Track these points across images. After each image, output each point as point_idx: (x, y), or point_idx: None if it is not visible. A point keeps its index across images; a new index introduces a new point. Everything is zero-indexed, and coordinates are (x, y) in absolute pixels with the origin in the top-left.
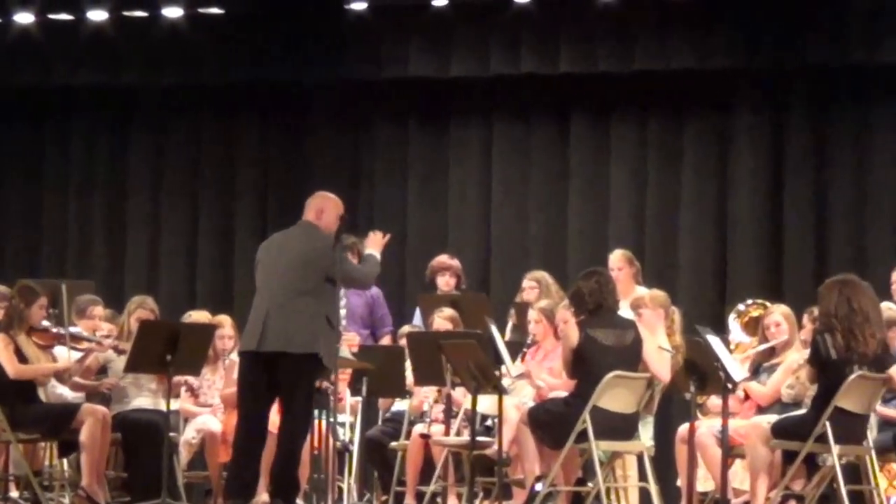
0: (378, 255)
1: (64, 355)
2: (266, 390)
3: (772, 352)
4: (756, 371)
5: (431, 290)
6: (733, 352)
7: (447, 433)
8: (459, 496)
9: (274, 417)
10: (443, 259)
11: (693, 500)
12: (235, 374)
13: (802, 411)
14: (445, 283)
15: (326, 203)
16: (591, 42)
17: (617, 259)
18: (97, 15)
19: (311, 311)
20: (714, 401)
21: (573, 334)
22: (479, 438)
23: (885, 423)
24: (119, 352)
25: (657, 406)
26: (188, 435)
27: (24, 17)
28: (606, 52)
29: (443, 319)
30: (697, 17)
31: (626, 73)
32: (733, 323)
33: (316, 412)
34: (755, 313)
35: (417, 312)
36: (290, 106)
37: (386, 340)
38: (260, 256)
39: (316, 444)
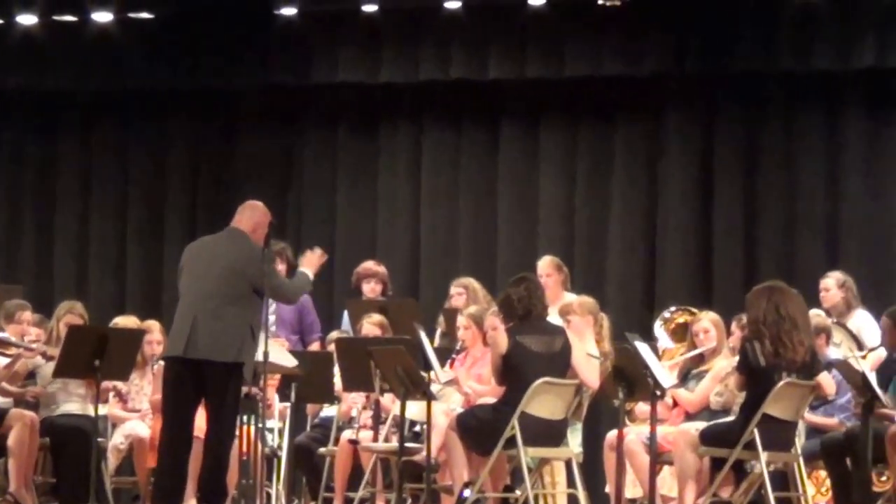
0: (311, 275)
1: None
2: (191, 395)
3: (700, 359)
4: (684, 378)
5: (358, 296)
6: (661, 358)
7: (375, 439)
8: (388, 502)
9: (200, 422)
10: (368, 265)
11: None
12: None
13: (731, 418)
14: (371, 289)
15: (261, 217)
16: (520, 48)
17: (546, 265)
18: (27, 19)
19: (238, 320)
20: (642, 407)
21: (502, 341)
22: (408, 444)
23: (812, 430)
24: (47, 357)
25: (585, 412)
26: (116, 440)
27: None
28: (536, 58)
29: (371, 325)
30: (627, 23)
31: (556, 79)
32: (660, 329)
33: (244, 418)
34: (681, 319)
35: (346, 317)
36: (219, 111)
37: (315, 346)
38: (185, 261)
39: (244, 449)
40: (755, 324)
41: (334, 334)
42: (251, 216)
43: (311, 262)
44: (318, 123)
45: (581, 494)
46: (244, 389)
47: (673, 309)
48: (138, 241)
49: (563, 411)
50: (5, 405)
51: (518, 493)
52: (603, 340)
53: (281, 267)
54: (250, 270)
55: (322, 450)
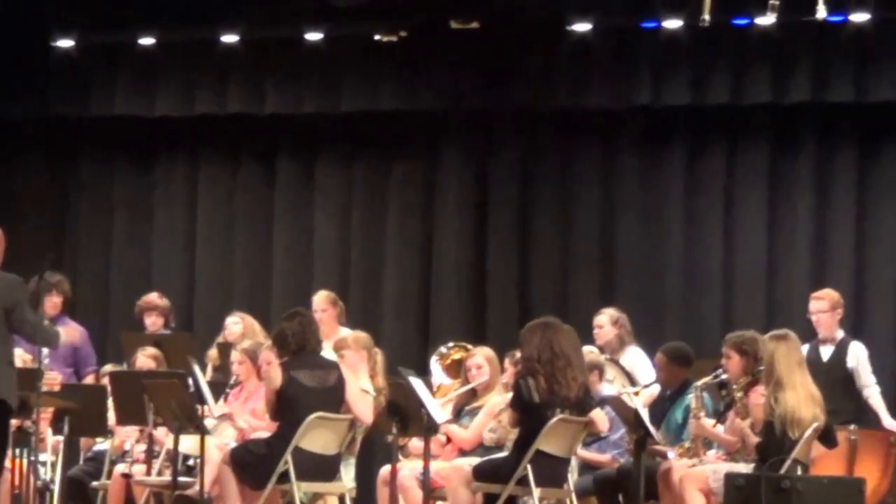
0: (63, 338)
1: None
2: None
3: (474, 394)
4: (458, 414)
5: (139, 328)
6: (436, 394)
7: (149, 473)
8: None
9: None
10: (150, 298)
11: None
12: None
13: (504, 454)
14: (152, 322)
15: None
16: (297, 82)
17: (321, 300)
18: None
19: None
20: (416, 443)
21: (276, 375)
22: (181, 478)
23: (585, 466)
24: None
25: (359, 447)
26: None
27: None
28: (313, 92)
29: (146, 358)
30: (404, 59)
31: (333, 114)
32: (435, 365)
33: (17, 451)
34: (457, 356)
35: None
36: None
37: (90, 379)
38: None
39: (17, 483)
40: (529, 360)
41: (108, 367)
42: None
43: (68, 334)
44: (94, 156)
45: None
46: (16, 423)
47: (451, 345)
48: None
49: (337, 446)
50: None
51: None
52: (377, 375)
53: (56, 300)
54: (8, 304)
55: (95, 483)
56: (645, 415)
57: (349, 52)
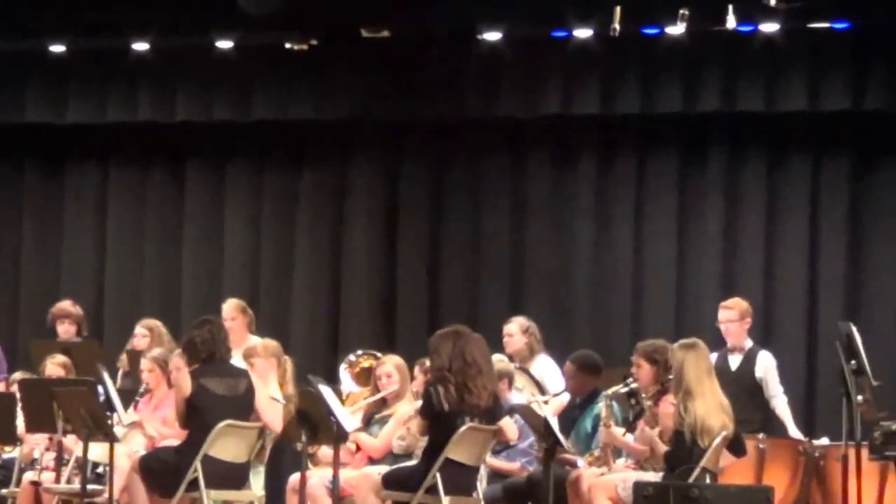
0: None
1: None
2: None
3: (383, 402)
4: (368, 422)
5: (51, 335)
6: (345, 402)
7: (58, 480)
8: None
9: None
10: (63, 306)
11: None
12: None
13: (413, 462)
14: (65, 330)
15: None
16: (208, 90)
17: (230, 308)
18: None
19: None
20: (325, 451)
21: (185, 383)
22: (90, 486)
23: (495, 475)
24: None
25: (268, 455)
26: None
27: None
28: (223, 100)
29: (55, 366)
30: (314, 68)
31: (243, 122)
32: (345, 373)
33: None
34: (366, 364)
35: None
36: None
37: None
38: None
39: None
40: (439, 369)
41: (17, 375)
42: None
43: None
44: (3, 163)
45: None
46: None
47: (360, 353)
48: None
49: (246, 454)
50: None
51: None
52: (286, 384)
53: None
54: None
55: (4, 491)
56: (554, 423)
57: (260, 60)
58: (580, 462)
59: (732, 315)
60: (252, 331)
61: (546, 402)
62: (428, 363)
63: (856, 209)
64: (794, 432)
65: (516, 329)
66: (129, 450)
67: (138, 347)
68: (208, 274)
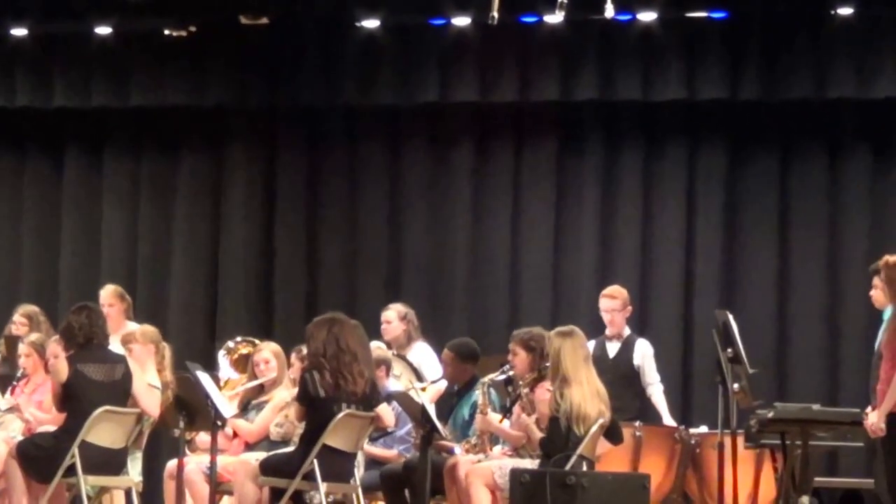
0: None
1: None
2: None
3: (261, 389)
4: (245, 408)
5: None
6: (223, 389)
7: None
8: None
9: None
10: None
11: None
12: None
13: (290, 449)
14: None
15: None
16: (85, 76)
17: (108, 295)
18: None
19: None
20: (203, 437)
21: (63, 369)
22: None
23: (372, 462)
24: None
25: (146, 441)
26: None
27: None
28: (101, 86)
29: None
30: (192, 54)
31: (121, 108)
32: (223, 359)
33: None
34: (244, 350)
35: None
36: None
37: None
38: None
39: None
40: (315, 355)
41: None
42: None
43: None
44: None
45: None
46: None
47: (238, 339)
48: None
49: (124, 440)
50: None
51: None
52: (164, 370)
53: None
54: None
55: None
56: (432, 410)
57: (138, 46)
58: (457, 449)
59: (616, 304)
60: (130, 317)
61: (423, 390)
62: (305, 350)
63: (731, 198)
64: (669, 420)
65: (394, 316)
66: (6, 435)
67: (16, 333)
68: (85, 260)
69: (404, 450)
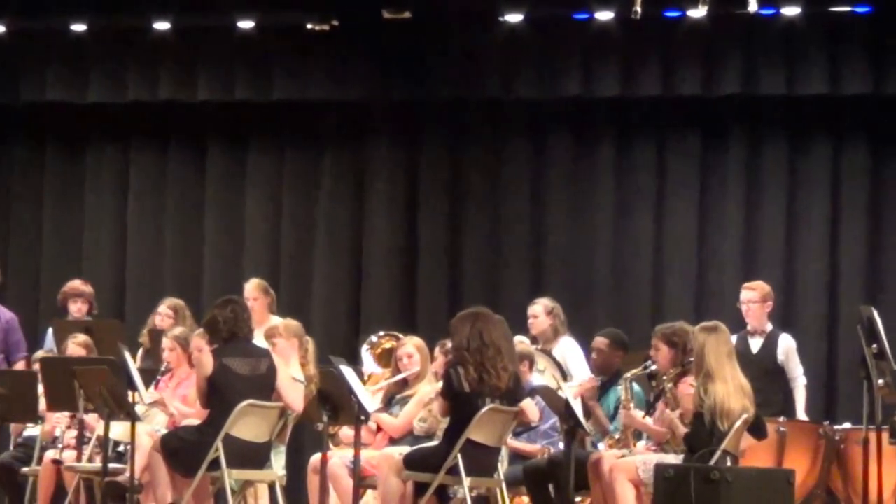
0: None
1: None
2: None
3: (404, 383)
4: (389, 403)
5: (63, 315)
6: (366, 383)
7: (79, 459)
8: None
9: None
10: (74, 284)
11: None
12: None
13: (434, 443)
14: (77, 309)
15: None
16: (228, 70)
17: (252, 289)
18: None
19: None
20: (346, 431)
21: (207, 362)
22: (111, 465)
23: (515, 456)
24: None
25: (289, 435)
26: None
27: None
28: (244, 80)
29: (76, 345)
30: (335, 48)
31: (263, 102)
32: (366, 354)
33: None
34: (388, 345)
35: (49, 335)
36: None
37: (20, 365)
38: None
39: None
40: (459, 350)
41: (39, 353)
42: None
43: None
44: (25, 142)
45: None
46: None
47: (381, 334)
48: None
49: (267, 434)
50: None
51: None
52: (308, 364)
53: None
54: None
55: (25, 469)
56: (576, 405)
57: (280, 40)
58: (600, 444)
59: (754, 296)
60: (273, 311)
61: (566, 381)
62: (448, 344)
63: (876, 193)
64: (802, 415)
65: (541, 310)
66: (151, 429)
67: (160, 327)
68: (229, 254)
69: (548, 444)
